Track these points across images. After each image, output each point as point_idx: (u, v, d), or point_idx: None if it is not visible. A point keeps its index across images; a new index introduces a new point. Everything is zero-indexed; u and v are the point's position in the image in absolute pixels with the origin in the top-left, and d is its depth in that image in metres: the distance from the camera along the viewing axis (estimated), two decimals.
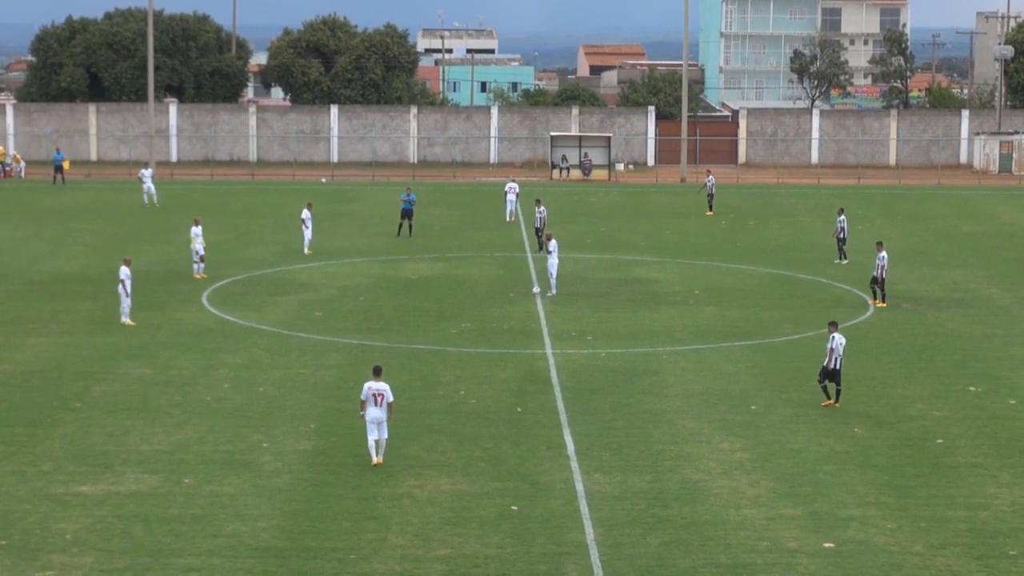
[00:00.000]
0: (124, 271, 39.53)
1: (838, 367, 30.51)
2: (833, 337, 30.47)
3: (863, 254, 52.20)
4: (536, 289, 45.77)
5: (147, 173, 73.95)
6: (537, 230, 55.58)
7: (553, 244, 45.19)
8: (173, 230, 60.04)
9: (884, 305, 43.23)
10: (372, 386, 25.90)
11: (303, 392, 31.91)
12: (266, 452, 26.99)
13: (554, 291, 45.05)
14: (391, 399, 25.86)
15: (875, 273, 43.35)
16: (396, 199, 61.99)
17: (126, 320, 39.58)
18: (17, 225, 63.73)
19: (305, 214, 54.37)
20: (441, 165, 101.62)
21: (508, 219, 66.30)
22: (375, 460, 25.92)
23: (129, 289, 39.50)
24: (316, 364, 34.81)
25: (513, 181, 68.54)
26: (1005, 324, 41.28)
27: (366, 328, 39.72)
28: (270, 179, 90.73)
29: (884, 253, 43.37)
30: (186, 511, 23.44)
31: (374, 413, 25.77)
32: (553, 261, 45.08)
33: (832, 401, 30.73)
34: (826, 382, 30.78)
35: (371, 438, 26.01)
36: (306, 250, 54.15)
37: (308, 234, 54.26)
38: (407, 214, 59.78)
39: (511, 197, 66.68)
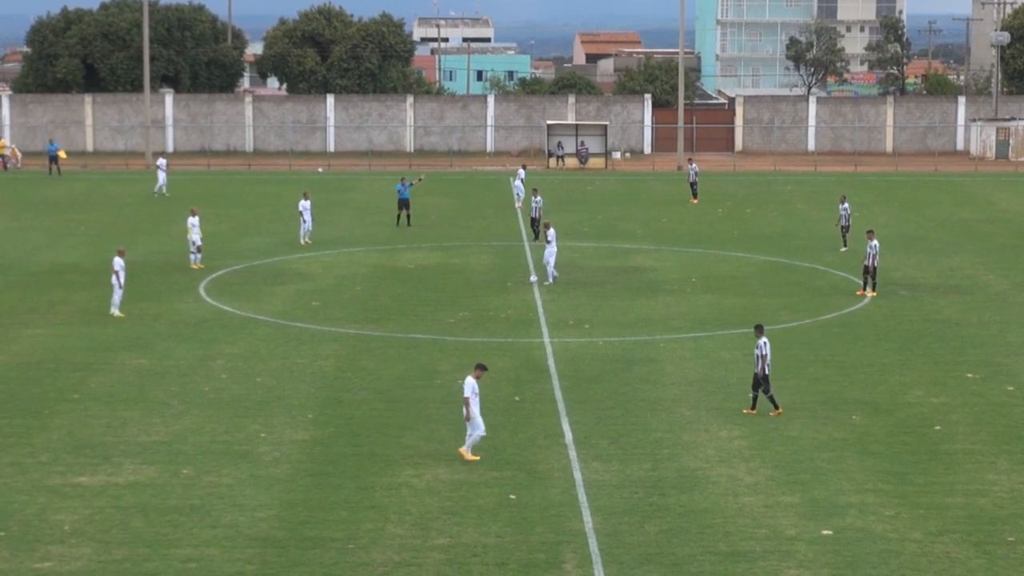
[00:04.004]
0: (118, 262, 39.43)
1: (766, 372, 28.60)
2: (761, 343, 28.54)
3: (856, 241, 52.14)
4: (533, 278, 45.74)
5: (160, 163, 74.69)
6: (534, 219, 55.54)
7: (551, 233, 45.16)
8: (170, 220, 59.97)
9: (875, 294, 43.11)
10: None
11: (301, 382, 31.91)
12: (264, 442, 26.99)
13: (551, 280, 45.04)
14: (464, 394, 25.67)
15: (867, 262, 43.19)
16: (393, 188, 61.88)
17: (115, 311, 39.46)
18: (14, 216, 63.65)
19: (303, 204, 54.32)
20: (438, 154, 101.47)
21: (517, 204, 66.45)
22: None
23: (123, 280, 39.42)
24: (314, 354, 34.79)
25: (522, 168, 70.40)
26: (1002, 310, 41.28)
27: (363, 318, 39.70)
28: (267, 169, 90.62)
29: (875, 242, 43.24)
30: (184, 502, 23.44)
31: None
32: (551, 250, 45.05)
33: (754, 410, 28.82)
34: (758, 391, 28.80)
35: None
36: (302, 240, 54.10)
37: (307, 224, 54.23)
38: (404, 204, 59.76)
39: (517, 183, 67.13)
